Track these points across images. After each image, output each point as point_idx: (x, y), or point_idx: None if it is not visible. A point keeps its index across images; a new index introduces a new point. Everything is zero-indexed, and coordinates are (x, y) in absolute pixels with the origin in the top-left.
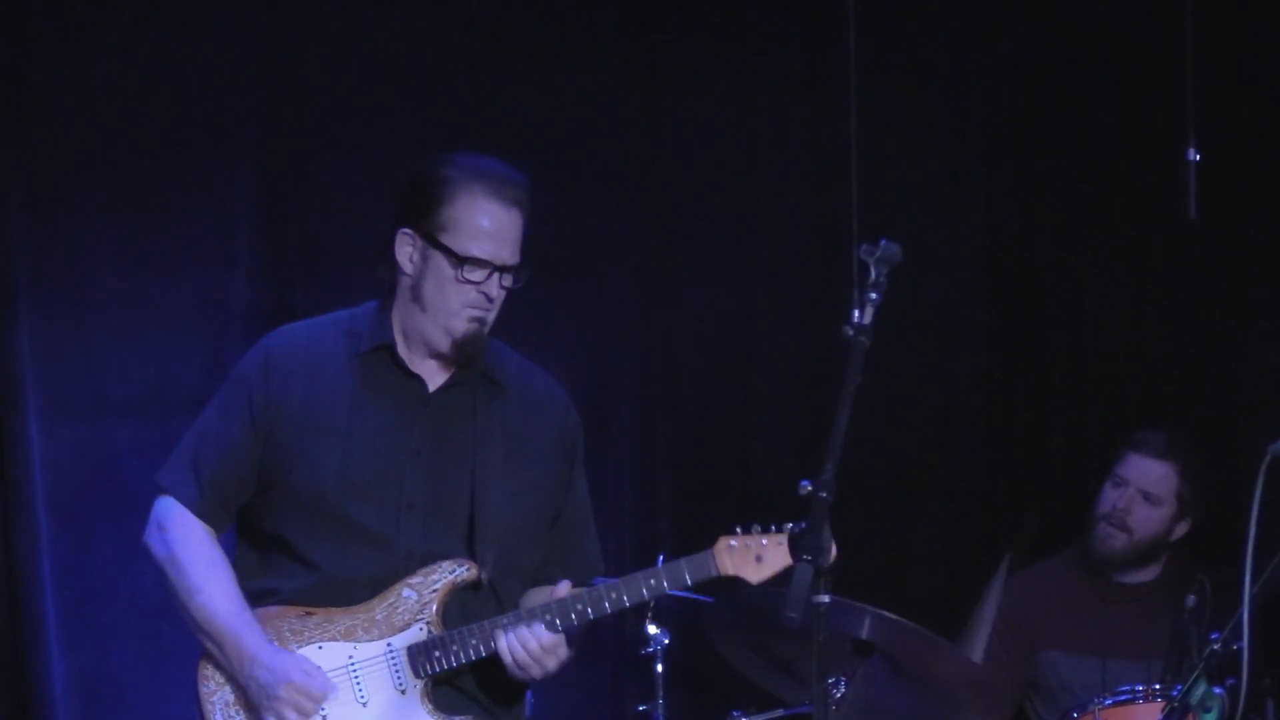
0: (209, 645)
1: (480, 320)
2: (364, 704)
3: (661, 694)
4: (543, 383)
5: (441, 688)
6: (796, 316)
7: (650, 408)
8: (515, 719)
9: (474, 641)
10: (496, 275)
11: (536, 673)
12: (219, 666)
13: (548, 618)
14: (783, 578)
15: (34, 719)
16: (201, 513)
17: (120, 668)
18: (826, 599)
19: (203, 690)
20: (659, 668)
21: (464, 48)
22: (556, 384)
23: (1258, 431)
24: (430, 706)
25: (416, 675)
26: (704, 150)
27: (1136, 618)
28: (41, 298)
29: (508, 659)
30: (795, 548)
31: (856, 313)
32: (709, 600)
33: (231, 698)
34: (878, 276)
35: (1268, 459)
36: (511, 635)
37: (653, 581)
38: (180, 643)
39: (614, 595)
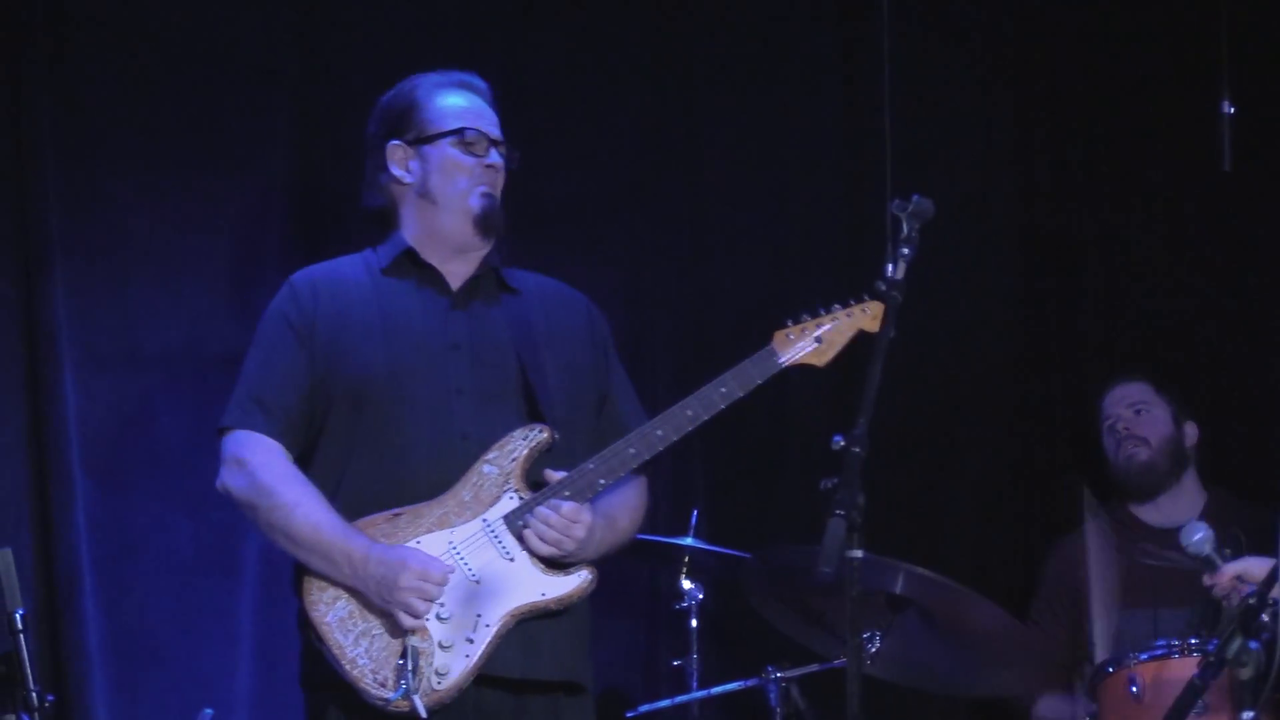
0: (314, 561)
1: (490, 195)
2: (476, 581)
3: (695, 649)
4: (559, 288)
5: None
6: (829, 272)
7: (683, 363)
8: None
9: (567, 493)
10: (490, 145)
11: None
12: (324, 584)
13: (631, 451)
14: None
15: (70, 673)
16: (273, 433)
17: (155, 622)
18: (859, 554)
19: (315, 615)
20: (693, 623)
21: (498, 5)
22: (575, 289)
23: None
24: (543, 566)
25: (520, 540)
26: (737, 106)
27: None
28: (76, 252)
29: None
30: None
31: (889, 268)
32: (745, 555)
33: (345, 612)
34: (910, 231)
35: None
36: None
37: (724, 389)
38: (214, 596)
39: (689, 413)
